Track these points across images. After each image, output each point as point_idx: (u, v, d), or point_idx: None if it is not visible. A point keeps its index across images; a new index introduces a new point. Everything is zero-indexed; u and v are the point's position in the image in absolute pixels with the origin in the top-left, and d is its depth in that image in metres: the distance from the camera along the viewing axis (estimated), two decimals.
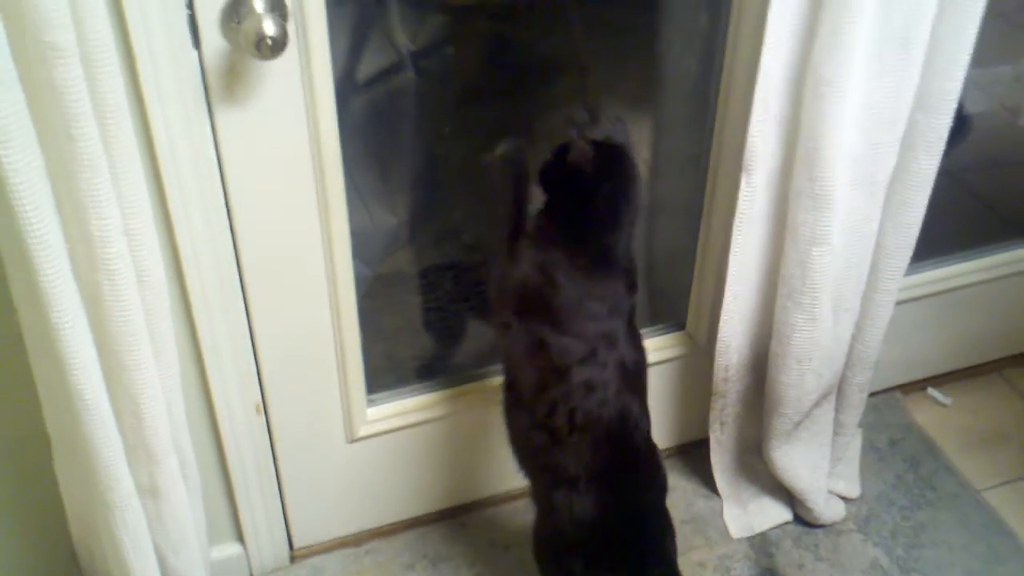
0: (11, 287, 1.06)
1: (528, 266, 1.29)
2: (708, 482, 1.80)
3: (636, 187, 1.32)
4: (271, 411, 1.48)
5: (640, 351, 1.35)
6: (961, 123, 1.52)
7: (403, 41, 1.67)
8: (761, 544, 1.73)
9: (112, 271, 1.05)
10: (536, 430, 1.32)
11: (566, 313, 1.28)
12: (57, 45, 0.90)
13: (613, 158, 1.31)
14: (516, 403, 1.35)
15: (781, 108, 1.36)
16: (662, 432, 1.85)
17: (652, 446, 1.37)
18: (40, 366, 1.13)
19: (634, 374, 1.33)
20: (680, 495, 1.80)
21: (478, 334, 1.79)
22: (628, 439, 1.32)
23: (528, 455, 1.37)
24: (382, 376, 1.63)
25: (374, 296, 1.61)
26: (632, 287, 1.33)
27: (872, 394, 1.81)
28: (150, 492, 1.26)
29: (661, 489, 1.39)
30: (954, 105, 1.35)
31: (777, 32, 1.27)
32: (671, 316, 1.78)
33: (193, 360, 1.35)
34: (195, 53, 1.10)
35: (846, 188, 1.39)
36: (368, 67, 1.64)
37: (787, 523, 1.76)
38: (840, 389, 1.71)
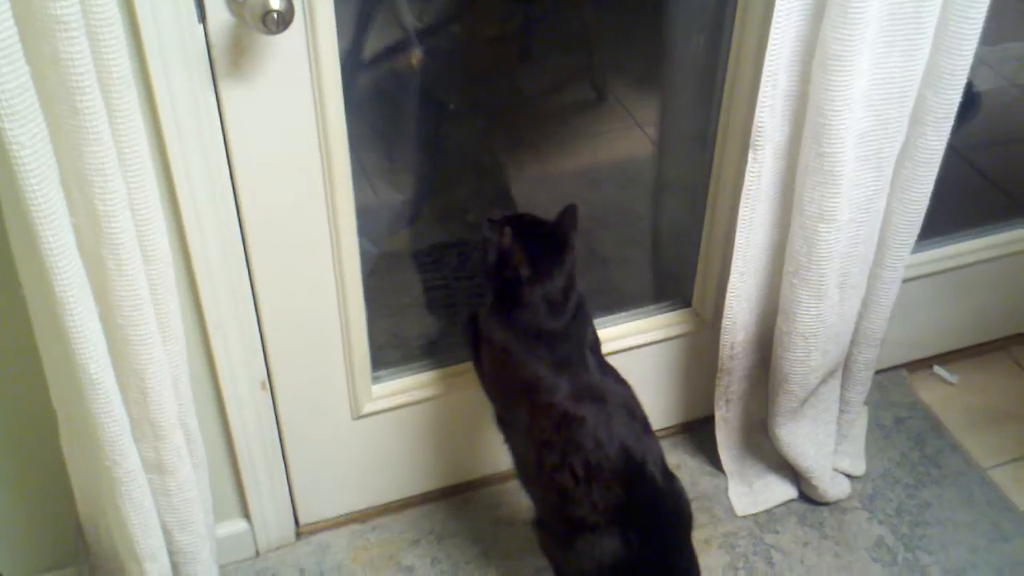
0: (16, 262, 1.06)
1: (496, 354, 1.39)
2: (714, 459, 1.80)
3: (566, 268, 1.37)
4: (276, 388, 1.48)
5: (620, 384, 1.40)
6: (970, 100, 1.51)
7: (409, 19, 1.66)
8: (767, 521, 1.74)
9: (116, 245, 1.05)
10: (551, 492, 1.36)
11: (540, 383, 1.34)
12: (62, 18, 0.89)
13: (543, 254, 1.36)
14: (528, 479, 1.43)
15: (790, 84, 1.35)
16: (668, 410, 1.85)
17: (669, 475, 1.39)
18: (45, 341, 1.13)
19: (622, 408, 1.36)
20: (685, 472, 1.80)
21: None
22: (641, 475, 1.34)
23: (549, 522, 1.41)
24: (387, 353, 1.63)
25: (379, 274, 1.61)
26: (584, 329, 1.39)
27: (878, 372, 1.81)
28: (156, 468, 1.26)
29: (686, 525, 1.40)
30: (963, 81, 1.34)
31: (786, 6, 1.26)
32: (677, 293, 1.78)
33: (199, 336, 1.35)
34: (201, 27, 1.10)
35: (853, 164, 1.38)
36: (374, 44, 1.63)
37: (792, 501, 1.77)
38: (846, 367, 1.71)
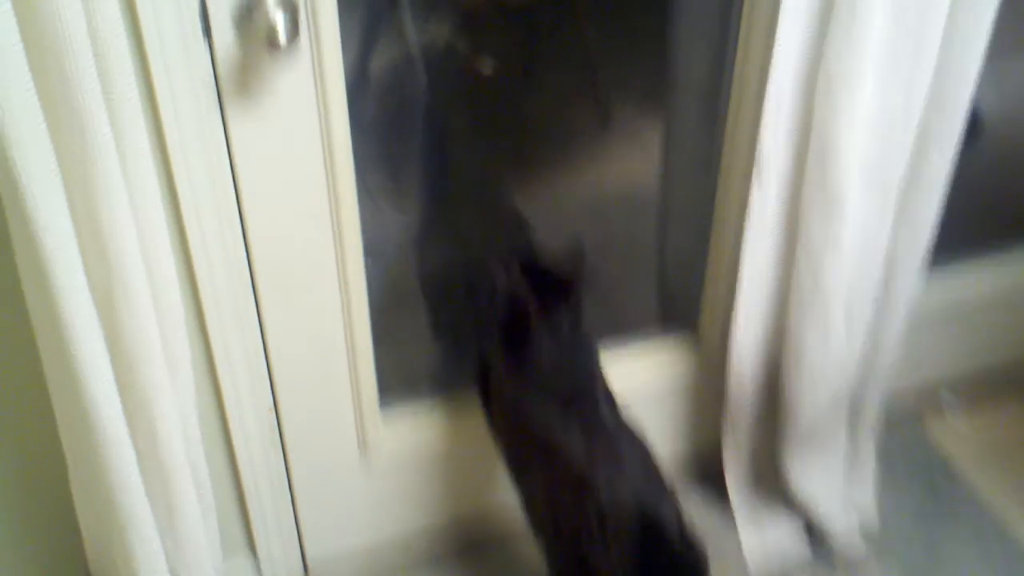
0: (26, 297, 1.05)
1: (508, 408, 1.36)
2: (721, 494, 1.77)
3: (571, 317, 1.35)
4: (283, 420, 1.47)
5: (636, 441, 1.35)
6: (976, 123, 1.51)
7: (415, 41, 1.68)
8: (777, 564, 1.70)
9: (124, 273, 1.05)
10: (568, 556, 1.32)
11: (555, 444, 1.30)
12: (69, 38, 0.90)
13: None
14: (537, 531, 1.37)
15: (793, 109, 1.36)
16: (675, 443, 1.83)
17: (688, 538, 1.32)
18: (56, 382, 1.12)
19: (640, 469, 1.32)
20: (692, 506, 1.78)
21: None
22: (656, 541, 1.29)
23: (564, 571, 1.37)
24: (397, 382, 1.62)
25: (387, 299, 1.60)
26: (596, 379, 1.36)
27: (887, 406, 1.79)
28: (164, 507, 1.25)
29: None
30: (968, 105, 1.35)
31: (789, 31, 1.27)
32: (684, 323, 1.77)
33: (205, 367, 1.34)
34: (207, 48, 1.11)
35: (858, 190, 1.38)
36: (378, 66, 1.64)
37: (800, 536, 1.74)
38: (853, 400, 1.69)
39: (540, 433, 1.32)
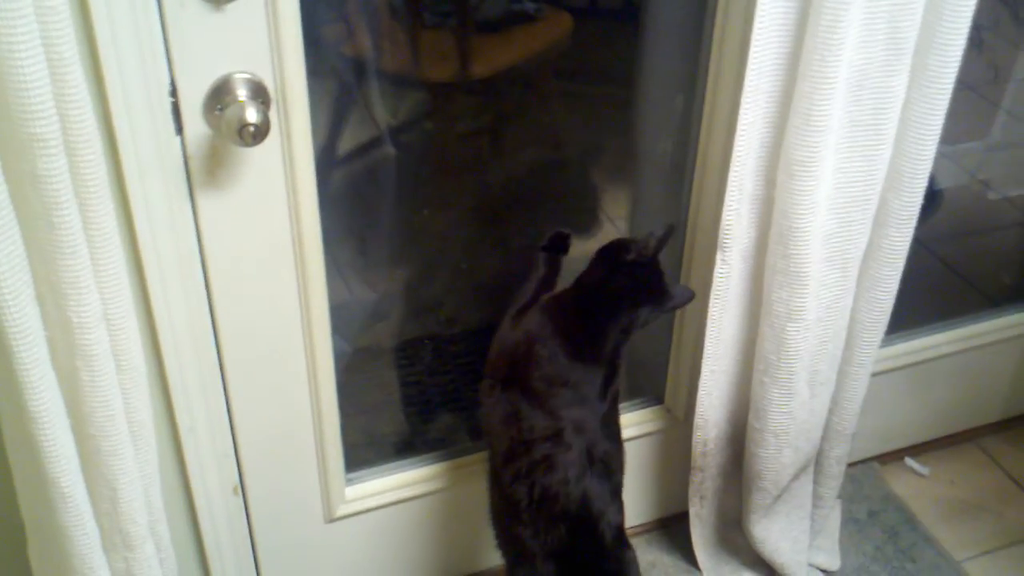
0: None
1: (522, 336, 1.33)
2: (689, 557, 1.79)
3: (653, 302, 1.35)
4: (249, 493, 1.47)
5: (614, 443, 1.37)
6: (932, 197, 1.55)
7: (383, 116, 1.69)
8: None
9: (90, 356, 1.05)
10: (503, 499, 1.35)
11: (542, 389, 1.31)
12: (41, 136, 0.90)
13: (649, 270, 1.35)
14: (492, 471, 1.39)
15: (755, 188, 1.38)
16: (643, 506, 1.85)
17: (622, 542, 1.37)
18: (16, 451, 1.12)
19: (603, 464, 1.34)
20: (661, 570, 1.79)
21: (458, 409, 1.79)
22: (591, 528, 1.33)
23: (497, 523, 1.40)
24: (361, 453, 1.62)
25: (353, 371, 1.61)
26: (609, 381, 1.35)
27: (850, 465, 1.82)
28: None
29: None
30: (924, 183, 1.38)
31: (750, 115, 1.30)
32: (650, 390, 1.78)
33: (170, 442, 1.34)
34: (178, 140, 1.11)
35: (820, 265, 1.41)
36: (348, 142, 1.65)
37: None
38: (818, 462, 1.71)
39: (560, 370, 1.32)
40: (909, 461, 2.03)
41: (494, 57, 1.71)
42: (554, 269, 1.44)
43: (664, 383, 1.76)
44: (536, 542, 1.32)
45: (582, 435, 1.31)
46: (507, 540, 1.38)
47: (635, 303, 1.33)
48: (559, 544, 1.32)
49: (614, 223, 1.82)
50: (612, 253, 1.35)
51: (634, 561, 1.38)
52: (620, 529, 1.36)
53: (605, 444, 1.35)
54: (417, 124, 1.79)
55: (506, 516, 1.36)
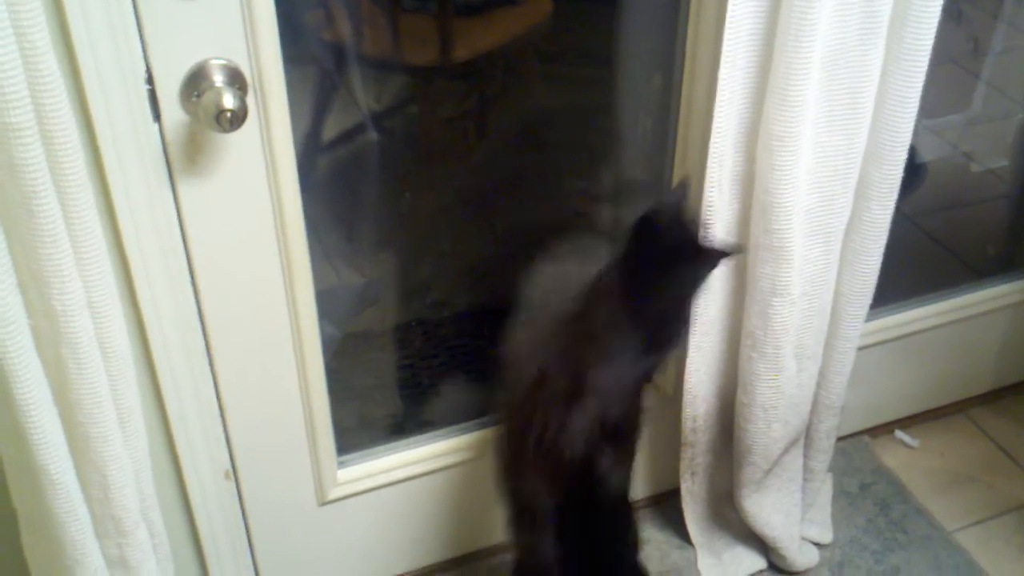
0: None
1: (590, 297, 1.32)
2: (682, 532, 1.80)
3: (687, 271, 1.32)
4: (241, 477, 1.48)
5: (633, 412, 1.36)
6: (914, 170, 1.55)
7: (366, 102, 1.69)
8: None
9: (76, 344, 1.05)
10: (510, 438, 1.34)
11: (568, 345, 1.30)
12: (17, 125, 0.91)
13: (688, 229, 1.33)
14: (506, 415, 1.37)
15: (736, 164, 1.39)
16: (635, 483, 1.85)
17: (623, 505, 1.38)
18: (5, 440, 1.13)
19: (613, 429, 1.33)
20: (654, 546, 1.80)
21: (448, 391, 1.80)
22: (591, 488, 1.33)
23: (501, 469, 1.38)
24: (353, 436, 1.63)
25: (343, 356, 1.62)
26: (648, 354, 1.33)
27: (840, 438, 1.83)
28: (120, 565, 1.25)
29: (632, 544, 1.39)
30: (904, 156, 1.39)
31: (728, 91, 1.30)
32: None
33: (161, 429, 1.35)
34: (156, 127, 1.12)
35: (802, 240, 1.41)
36: (332, 128, 1.66)
37: (761, 571, 1.77)
38: (808, 435, 1.72)
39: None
40: (899, 434, 2.04)
41: (475, 40, 1.71)
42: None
43: None
44: (535, 496, 1.32)
45: (599, 398, 1.29)
46: (508, 490, 1.37)
47: (687, 263, 1.30)
48: (560, 499, 1.31)
49: (597, 202, 1.84)
50: (648, 223, 1.31)
51: (633, 520, 1.38)
52: (620, 493, 1.37)
53: (621, 411, 1.33)
54: (401, 109, 1.80)
55: (510, 459, 1.36)
